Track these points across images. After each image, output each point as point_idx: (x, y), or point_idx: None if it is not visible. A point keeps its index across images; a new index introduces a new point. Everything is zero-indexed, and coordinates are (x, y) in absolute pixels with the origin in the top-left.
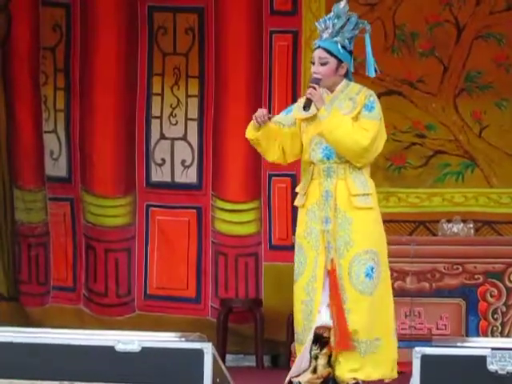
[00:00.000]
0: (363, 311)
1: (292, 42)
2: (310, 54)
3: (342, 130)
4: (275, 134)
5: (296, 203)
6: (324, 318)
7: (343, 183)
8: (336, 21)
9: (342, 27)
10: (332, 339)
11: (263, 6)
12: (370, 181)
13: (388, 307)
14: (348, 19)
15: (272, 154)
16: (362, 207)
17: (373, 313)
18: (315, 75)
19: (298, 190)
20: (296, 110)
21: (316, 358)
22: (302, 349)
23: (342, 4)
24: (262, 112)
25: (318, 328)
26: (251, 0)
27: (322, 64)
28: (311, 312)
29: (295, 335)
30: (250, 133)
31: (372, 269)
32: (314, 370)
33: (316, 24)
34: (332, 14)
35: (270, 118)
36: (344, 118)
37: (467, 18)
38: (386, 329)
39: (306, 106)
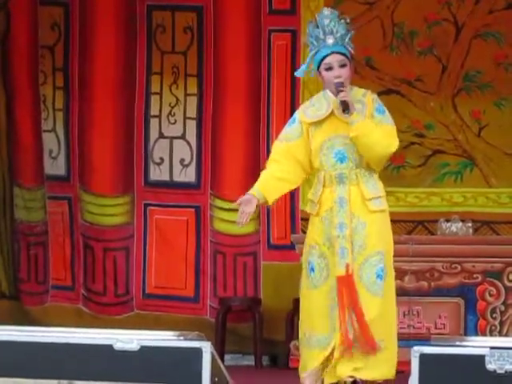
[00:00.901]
0: (373, 312)
1: (291, 40)
2: (308, 53)
3: (375, 135)
4: (278, 179)
5: (309, 210)
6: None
7: (356, 189)
8: (337, 25)
9: (346, 30)
10: (334, 342)
11: (262, 5)
12: (380, 182)
13: (394, 309)
14: (344, 21)
15: (297, 183)
16: (375, 210)
17: (381, 314)
18: (339, 79)
19: (309, 196)
20: (301, 115)
21: None
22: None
23: (329, 11)
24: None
25: None
26: None
27: (342, 66)
28: (336, 316)
29: (308, 340)
30: (269, 204)
31: (382, 270)
32: None
33: (314, 34)
34: (327, 21)
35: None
36: (374, 124)
37: (466, 17)
38: (389, 330)
39: (346, 109)
